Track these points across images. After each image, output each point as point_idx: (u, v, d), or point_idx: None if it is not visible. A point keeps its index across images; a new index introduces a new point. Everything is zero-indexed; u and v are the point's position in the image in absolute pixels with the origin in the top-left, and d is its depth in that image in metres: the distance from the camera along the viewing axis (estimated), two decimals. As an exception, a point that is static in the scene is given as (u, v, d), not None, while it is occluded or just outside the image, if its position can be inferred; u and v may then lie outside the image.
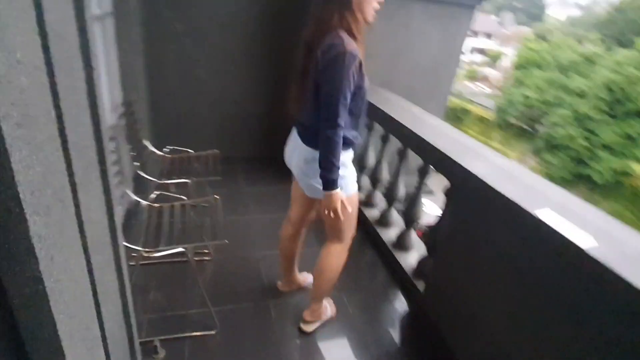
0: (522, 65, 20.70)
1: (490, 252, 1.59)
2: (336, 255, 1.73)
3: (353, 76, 1.31)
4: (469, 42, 39.72)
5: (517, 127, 20.80)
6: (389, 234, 2.60)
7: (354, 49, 1.29)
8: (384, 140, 2.64)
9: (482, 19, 43.04)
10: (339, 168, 1.38)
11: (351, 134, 1.46)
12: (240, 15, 3.13)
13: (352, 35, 1.32)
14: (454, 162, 1.71)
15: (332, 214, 1.46)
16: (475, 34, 40.23)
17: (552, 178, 18.32)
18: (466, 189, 1.73)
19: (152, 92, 3.12)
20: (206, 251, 2.25)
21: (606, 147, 16.32)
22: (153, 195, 2.08)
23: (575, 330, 1.21)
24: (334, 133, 1.33)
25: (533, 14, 48.65)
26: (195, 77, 3.23)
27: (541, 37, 25.44)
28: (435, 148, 1.84)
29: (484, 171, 1.60)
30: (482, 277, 1.64)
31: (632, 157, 15.87)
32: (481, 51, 38.05)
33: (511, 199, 1.39)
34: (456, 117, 23.48)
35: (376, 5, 1.32)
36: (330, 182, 1.39)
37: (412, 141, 2.15)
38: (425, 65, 3.10)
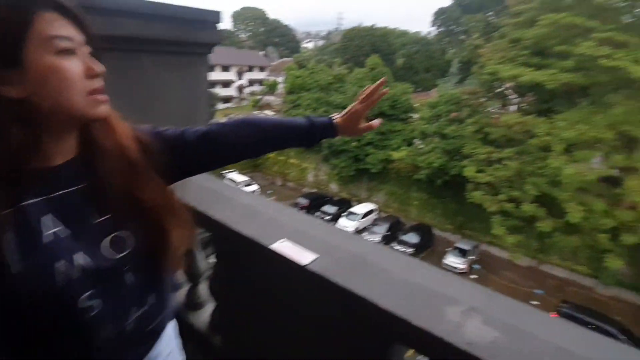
0: (292, 90, 23.85)
1: (259, 291, 1.62)
2: None
3: None
4: (249, 75, 43.07)
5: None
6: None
7: None
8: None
9: (252, 55, 47.41)
10: None
11: None
12: None
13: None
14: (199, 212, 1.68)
15: None
16: (250, 68, 43.93)
17: (342, 177, 21.73)
18: (217, 236, 1.73)
19: None
20: None
21: (370, 143, 20.43)
22: None
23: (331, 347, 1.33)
24: None
25: (291, 47, 57.06)
26: None
27: (301, 65, 29.91)
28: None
29: (227, 214, 1.62)
30: (263, 319, 1.65)
31: (389, 147, 20.34)
32: (260, 82, 41.81)
33: (251, 237, 1.44)
34: (253, 145, 24.92)
35: (87, 85, 0.74)
36: None
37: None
38: (179, 112, 3.06)
